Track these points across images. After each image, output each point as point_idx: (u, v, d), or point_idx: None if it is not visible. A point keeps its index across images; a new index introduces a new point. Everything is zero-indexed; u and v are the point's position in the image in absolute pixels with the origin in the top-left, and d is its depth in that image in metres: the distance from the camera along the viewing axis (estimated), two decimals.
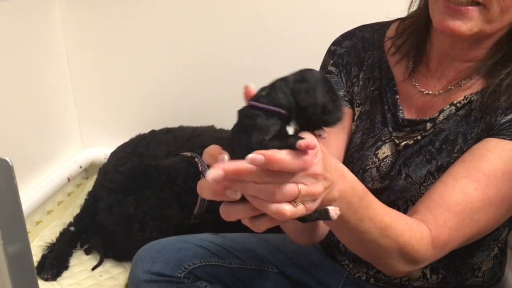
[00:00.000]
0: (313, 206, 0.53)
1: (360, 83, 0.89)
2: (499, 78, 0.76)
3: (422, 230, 0.70)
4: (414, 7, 0.85)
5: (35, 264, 1.29)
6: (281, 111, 0.51)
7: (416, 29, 0.83)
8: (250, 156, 0.48)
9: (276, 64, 1.68)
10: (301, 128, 0.53)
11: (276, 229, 0.87)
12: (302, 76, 0.53)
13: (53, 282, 1.28)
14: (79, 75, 1.80)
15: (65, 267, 1.33)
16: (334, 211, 0.55)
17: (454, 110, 0.80)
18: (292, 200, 0.50)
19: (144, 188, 1.25)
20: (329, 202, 0.57)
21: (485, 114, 0.77)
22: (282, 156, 0.48)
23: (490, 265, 0.88)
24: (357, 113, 0.89)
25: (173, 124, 1.64)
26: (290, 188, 0.49)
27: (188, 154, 1.38)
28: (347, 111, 0.90)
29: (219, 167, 0.48)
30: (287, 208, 0.50)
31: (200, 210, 1.33)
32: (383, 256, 0.69)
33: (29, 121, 1.59)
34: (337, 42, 0.93)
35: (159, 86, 1.79)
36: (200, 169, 1.33)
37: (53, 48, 1.70)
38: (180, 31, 1.70)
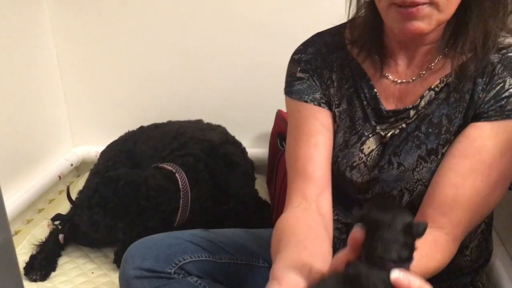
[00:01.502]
0: None
1: (335, 84, 0.89)
2: (458, 51, 0.78)
3: (440, 248, 0.74)
4: (354, 10, 0.87)
5: (24, 264, 1.29)
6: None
7: (369, 30, 0.85)
8: (398, 275, 0.47)
9: (265, 59, 1.68)
10: None
11: (266, 224, 0.88)
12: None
13: (45, 282, 1.27)
14: (69, 73, 1.79)
15: (53, 268, 1.32)
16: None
17: (433, 95, 0.81)
18: None
19: (135, 216, 1.24)
20: None
21: (462, 93, 0.79)
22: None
23: (477, 242, 0.90)
24: (337, 114, 0.89)
25: (163, 119, 1.64)
26: None
27: (170, 168, 1.37)
28: (327, 112, 0.90)
29: None
30: None
31: (180, 223, 1.34)
32: None
33: (19, 120, 1.58)
34: (299, 51, 0.92)
35: (148, 82, 1.79)
36: (180, 186, 1.34)
37: (42, 46, 1.69)
38: (168, 28, 1.71)
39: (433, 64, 0.82)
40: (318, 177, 0.84)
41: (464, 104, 0.79)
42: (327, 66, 0.90)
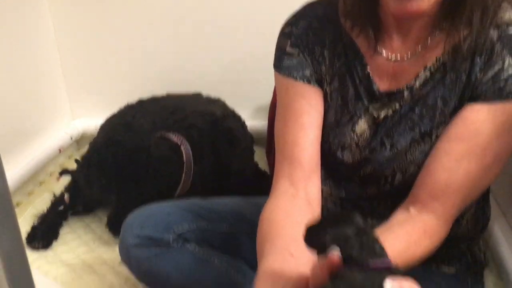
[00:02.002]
0: None
1: (327, 61, 0.86)
2: (454, 26, 0.74)
3: (429, 233, 0.74)
4: None
5: (26, 234, 1.30)
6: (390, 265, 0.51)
7: (362, 2, 0.80)
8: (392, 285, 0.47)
9: (264, 30, 1.66)
10: None
11: (265, 192, 0.88)
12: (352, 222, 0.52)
13: (47, 250, 1.29)
14: (66, 45, 1.78)
15: (55, 236, 1.34)
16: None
17: (429, 75, 0.79)
18: None
19: (131, 181, 1.23)
20: None
21: (458, 73, 0.76)
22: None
23: (472, 211, 0.90)
24: (328, 92, 0.86)
25: (162, 91, 1.63)
26: None
27: (175, 139, 1.35)
28: (316, 90, 0.86)
29: None
30: None
31: (179, 195, 1.34)
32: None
33: (17, 93, 1.58)
34: (290, 23, 0.88)
35: (148, 54, 1.77)
36: (184, 159, 1.32)
37: (39, 18, 1.68)
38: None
39: (429, 39, 0.78)
40: (306, 162, 0.82)
41: (460, 84, 0.76)
42: (319, 42, 0.86)
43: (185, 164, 1.31)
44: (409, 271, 0.88)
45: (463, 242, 0.92)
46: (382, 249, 0.50)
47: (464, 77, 0.76)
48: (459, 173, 0.74)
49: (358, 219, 0.51)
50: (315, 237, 0.53)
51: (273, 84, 1.62)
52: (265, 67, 1.69)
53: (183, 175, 1.31)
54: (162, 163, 1.27)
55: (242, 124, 1.57)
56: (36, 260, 1.23)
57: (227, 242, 1.00)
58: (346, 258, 0.50)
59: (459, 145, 0.74)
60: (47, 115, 1.75)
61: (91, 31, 1.76)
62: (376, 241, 0.51)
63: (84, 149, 1.74)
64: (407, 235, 0.72)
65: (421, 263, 0.90)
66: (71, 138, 1.80)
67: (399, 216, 0.77)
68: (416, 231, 0.73)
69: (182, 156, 1.32)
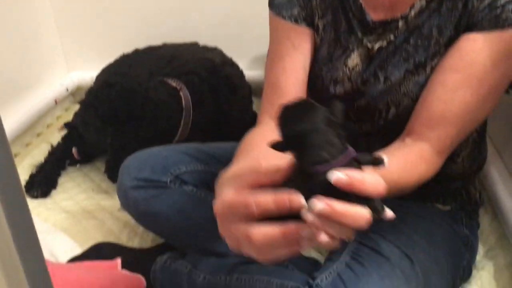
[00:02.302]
0: None
1: None
2: None
3: (426, 158, 0.73)
4: None
5: (24, 183, 1.30)
6: (353, 154, 0.48)
7: None
8: (337, 175, 0.44)
9: None
10: None
11: None
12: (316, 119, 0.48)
13: (46, 198, 1.30)
14: None
15: (54, 185, 1.34)
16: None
17: (424, 4, 0.77)
18: None
19: (126, 124, 1.21)
20: None
21: (455, 2, 0.74)
22: (364, 178, 0.45)
23: (468, 150, 0.90)
24: (320, 26, 0.86)
25: (158, 41, 1.61)
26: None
27: (174, 84, 1.33)
28: (303, 30, 0.87)
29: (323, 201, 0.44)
30: None
31: (178, 142, 1.33)
32: (396, 194, 0.70)
33: (11, 45, 1.54)
34: None
35: (144, 5, 1.73)
36: (183, 105, 1.31)
37: None
38: None
39: None
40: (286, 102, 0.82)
41: (456, 13, 0.75)
42: None
43: (184, 109, 1.30)
44: (404, 207, 0.90)
45: (459, 180, 0.93)
46: (341, 148, 0.47)
47: (460, 6, 0.74)
48: (455, 103, 0.73)
49: (320, 114, 0.48)
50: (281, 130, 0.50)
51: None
52: (262, 17, 1.67)
53: (182, 120, 1.30)
54: (160, 107, 1.25)
55: (241, 72, 1.56)
56: (35, 207, 1.24)
57: None
58: (300, 156, 0.48)
59: (455, 76, 0.73)
60: (42, 67, 1.72)
61: None
62: (337, 137, 0.48)
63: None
64: (404, 156, 0.72)
65: (416, 199, 0.91)
66: (67, 90, 1.78)
67: (396, 145, 0.77)
68: (412, 154, 0.73)
69: (181, 101, 1.30)
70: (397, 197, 0.91)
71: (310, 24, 0.87)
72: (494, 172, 1.14)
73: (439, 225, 0.88)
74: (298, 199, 0.45)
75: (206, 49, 1.59)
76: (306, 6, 0.86)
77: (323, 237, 0.45)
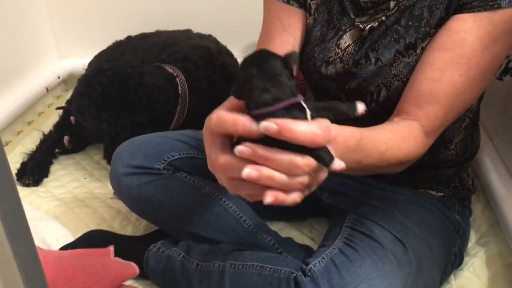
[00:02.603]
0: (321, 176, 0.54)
1: None
2: None
3: (414, 133, 0.73)
4: None
5: (16, 171, 1.29)
6: (297, 100, 0.49)
7: None
8: (264, 124, 0.47)
9: None
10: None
11: None
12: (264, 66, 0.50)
13: (39, 186, 1.29)
14: None
15: (46, 174, 1.32)
16: (362, 105, 0.54)
17: None
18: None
19: (120, 109, 1.20)
20: None
21: None
22: (294, 126, 0.48)
23: (461, 137, 0.90)
24: (313, 7, 0.87)
25: (151, 29, 1.59)
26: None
27: (170, 70, 1.32)
28: (294, 11, 0.87)
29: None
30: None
31: (174, 129, 1.32)
32: (386, 169, 0.73)
33: (1, 32, 1.52)
34: None
35: None
36: (179, 91, 1.30)
37: None
38: None
39: None
40: None
41: None
42: None
43: (180, 96, 1.29)
44: (397, 193, 0.90)
45: (452, 167, 0.93)
46: (289, 91, 0.49)
47: None
48: (443, 82, 0.73)
49: (272, 61, 0.50)
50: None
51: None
52: (255, 5, 1.66)
53: (178, 107, 1.29)
54: (155, 91, 1.24)
55: (235, 60, 1.55)
56: (27, 195, 1.23)
57: None
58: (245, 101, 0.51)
59: (443, 55, 0.73)
60: (32, 54, 1.70)
61: None
62: (284, 84, 0.49)
63: (72, 88, 1.72)
64: (392, 129, 0.73)
65: (409, 185, 0.91)
66: (59, 78, 1.76)
67: (385, 123, 0.77)
68: (401, 128, 0.73)
69: (178, 88, 1.29)
70: (390, 183, 0.92)
71: (303, 4, 0.88)
72: (487, 159, 1.15)
73: (432, 211, 0.89)
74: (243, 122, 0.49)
75: (200, 36, 1.58)
76: None
77: (265, 172, 0.49)
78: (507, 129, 1.13)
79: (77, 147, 1.44)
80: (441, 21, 0.76)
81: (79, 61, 1.79)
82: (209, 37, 1.58)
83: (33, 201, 1.21)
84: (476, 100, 0.82)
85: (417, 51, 0.78)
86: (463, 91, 0.74)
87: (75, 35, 1.80)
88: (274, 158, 0.49)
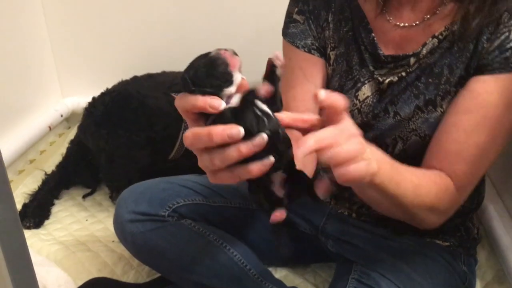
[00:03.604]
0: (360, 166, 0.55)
1: (331, 26, 0.87)
2: (471, 4, 0.75)
3: (444, 181, 0.75)
4: None
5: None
6: None
7: None
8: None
9: (256, 8, 1.64)
10: None
11: None
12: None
13: (40, 229, 1.28)
14: (55, 21, 1.73)
15: (47, 216, 1.32)
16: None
17: (436, 43, 0.79)
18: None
19: (118, 126, 1.23)
20: (372, 176, 0.59)
21: (466, 42, 0.76)
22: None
23: None
24: (332, 57, 0.88)
25: (155, 69, 1.61)
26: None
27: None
28: (315, 60, 0.89)
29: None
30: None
31: (176, 155, 1.32)
32: (416, 213, 0.73)
33: (5, 71, 1.54)
34: None
35: (141, 30, 1.74)
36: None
37: None
38: None
39: (439, 8, 0.78)
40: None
41: (467, 53, 0.76)
42: (325, 6, 0.88)
43: (184, 121, 1.30)
44: (403, 243, 0.90)
45: (457, 217, 0.92)
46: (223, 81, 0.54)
47: (471, 47, 0.76)
48: (470, 144, 0.75)
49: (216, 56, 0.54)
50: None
51: (265, 62, 1.62)
52: (259, 44, 1.69)
53: (181, 132, 1.29)
54: (156, 113, 1.26)
55: None
56: (28, 238, 1.21)
57: (223, 217, 1.00)
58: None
59: (467, 117, 0.75)
60: (36, 93, 1.72)
61: (81, 8, 1.72)
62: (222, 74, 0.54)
63: (74, 127, 1.73)
64: (423, 171, 0.74)
65: (415, 235, 0.91)
66: (61, 116, 1.77)
67: None
68: (432, 174, 0.75)
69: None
70: (396, 232, 0.91)
71: (323, 54, 0.90)
72: (491, 206, 1.15)
73: (439, 262, 0.88)
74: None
75: None
76: (319, 37, 0.89)
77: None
78: (510, 176, 1.13)
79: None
80: (461, 80, 0.77)
81: (82, 99, 1.80)
82: None
83: (34, 244, 1.20)
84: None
85: (437, 108, 0.79)
86: (489, 150, 0.76)
87: (79, 74, 1.82)
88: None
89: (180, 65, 1.67)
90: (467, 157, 0.75)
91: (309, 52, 0.89)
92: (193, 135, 0.53)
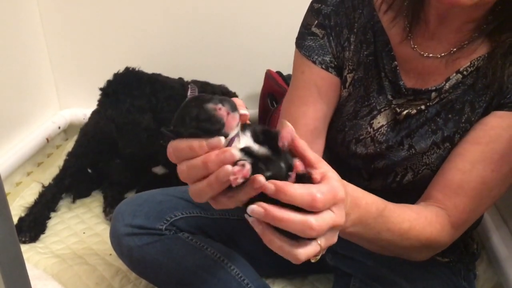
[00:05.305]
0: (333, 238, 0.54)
1: (352, 47, 0.83)
2: (501, 41, 0.72)
3: (441, 220, 0.72)
4: None
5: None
6: None
7: None
8: (262, 182, 0.49)
9: (253, 19, 1.65)
10: None
11: None
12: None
13: (37, 242, 1.27)
14: (53, 34, 1.74)
15: (42, 230, 1.31)
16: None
17: (460, 78, 0.76)
18: None
19: (122, 93, 1.29)
20: (344, 229, 0.58)
21: (493, 81, 0.73)
22: (291, 189, 0.49)
23: None
24: (349, 80, 0.84)
25: None
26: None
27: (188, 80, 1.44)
28: (332, 79, 0.84)
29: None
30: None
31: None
32: (407, 252, 0.73)
33: (3, 83, 1.54)
34: None
35: (138, 43, 1.74)
36: (188, 93, 1.37)
37: (25, 5, 1.64)
38: None
39: (467, 42, 0.75)
40: None
41: (491, 92, 0.74)
42: (348, 24, 0.83)
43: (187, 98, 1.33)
44: (403, 259, 0.89)
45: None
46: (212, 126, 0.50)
47: (496, 86, 0.73)
48: (473, 175, 0.72)
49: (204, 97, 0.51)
50: None
51: (263, 73, 1.63)
52: (255, 56, 1.69)
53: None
54: (159, 82, 1.34)
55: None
56: (26, 251, 1.21)
57: (221, 229, 1.00)
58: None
59: (475, 148, 0.73)
60: (34, 105, 1.72)
61: (79, 20, 1.73)
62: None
63: (72, 139, 1.73)
64: (419, 210, 0.72)
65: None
66: (59, 128, 1.77)
67: (411, 205, 0.75)
68: (428, 212, 0.72)
69: (187, 91, 1.37)
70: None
71: (339, 74, 0.85)
72: (488, 219, 1.15)
73: (439, 277, 0.87)
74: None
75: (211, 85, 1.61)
76: (338, 56, 0.84)
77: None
78: (508, 189, 1.13)
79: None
80: (481, 118, 0.75)
81: (80, 111, 1.81)
82: (221, 87, 1.60)
83: (31, 257, 1.19)
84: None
85: (454, 146, 0.77)
86: (494, 186, 0.73)
87: (76, 86, 1.83)
88: (286, 218, 0.49)
89: (172, 76, 1.69)
90: (469, 190, 0.72)
91: (327, 69, 0.84)
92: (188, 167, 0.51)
